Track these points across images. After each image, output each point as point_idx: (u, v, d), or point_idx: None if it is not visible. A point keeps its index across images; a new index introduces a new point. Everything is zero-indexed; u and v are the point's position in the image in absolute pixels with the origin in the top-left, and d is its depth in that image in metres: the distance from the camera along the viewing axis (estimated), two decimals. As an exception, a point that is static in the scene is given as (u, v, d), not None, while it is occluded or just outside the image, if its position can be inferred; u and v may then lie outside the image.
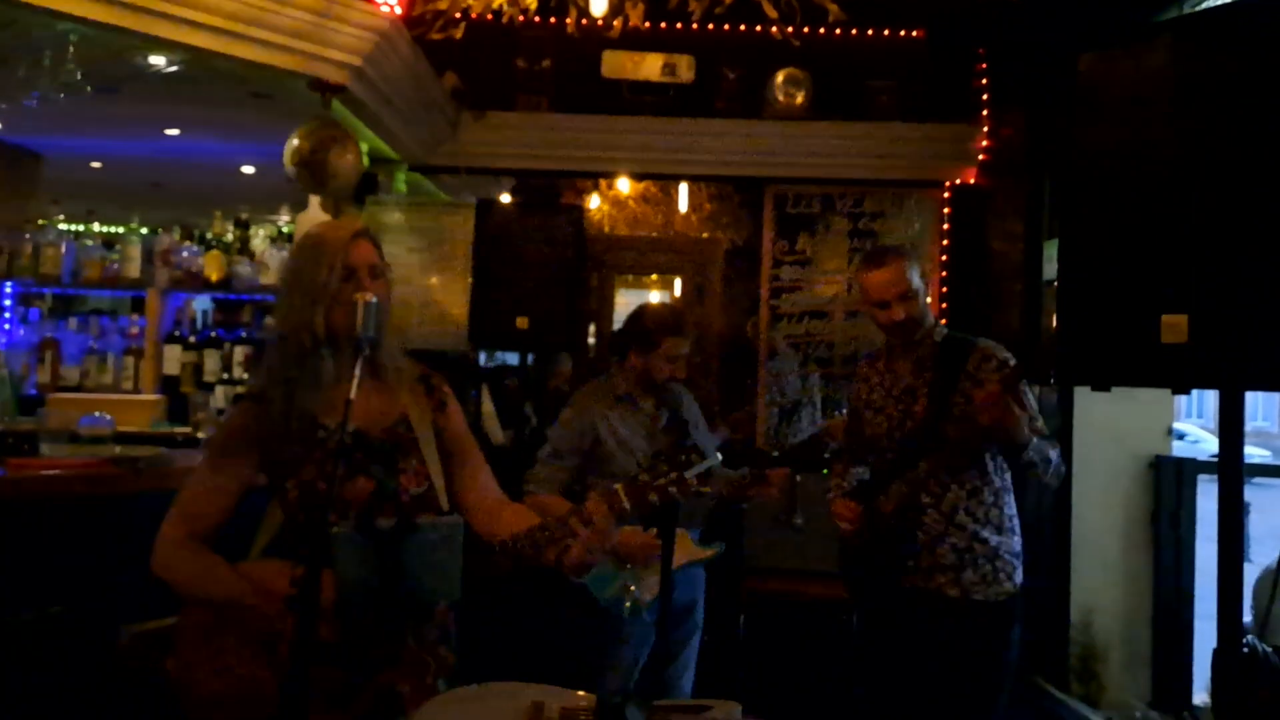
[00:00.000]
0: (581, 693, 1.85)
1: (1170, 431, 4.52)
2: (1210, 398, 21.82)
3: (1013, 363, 2.81)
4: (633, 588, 3.05)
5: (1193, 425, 21.70)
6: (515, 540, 2.08)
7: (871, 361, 3.13)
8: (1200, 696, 4.03)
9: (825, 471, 3.31)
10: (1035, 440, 2.69)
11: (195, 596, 1.96)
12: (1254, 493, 1.95)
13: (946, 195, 5.01)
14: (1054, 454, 2.78)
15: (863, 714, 3.00)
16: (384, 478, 2.01)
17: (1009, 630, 2.80)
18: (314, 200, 4.41)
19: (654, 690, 2.80)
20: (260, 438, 1.98)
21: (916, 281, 2.93)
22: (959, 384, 2.84)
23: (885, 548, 2.86)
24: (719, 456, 2.17)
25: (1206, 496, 3.66)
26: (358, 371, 1.81)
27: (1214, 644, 1.99)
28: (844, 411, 4.01)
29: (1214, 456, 2.84)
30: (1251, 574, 3.20)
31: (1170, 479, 4.28)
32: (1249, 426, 2.13)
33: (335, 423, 1.94)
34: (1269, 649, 2.08)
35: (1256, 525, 2.03)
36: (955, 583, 2.78)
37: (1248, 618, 2.43)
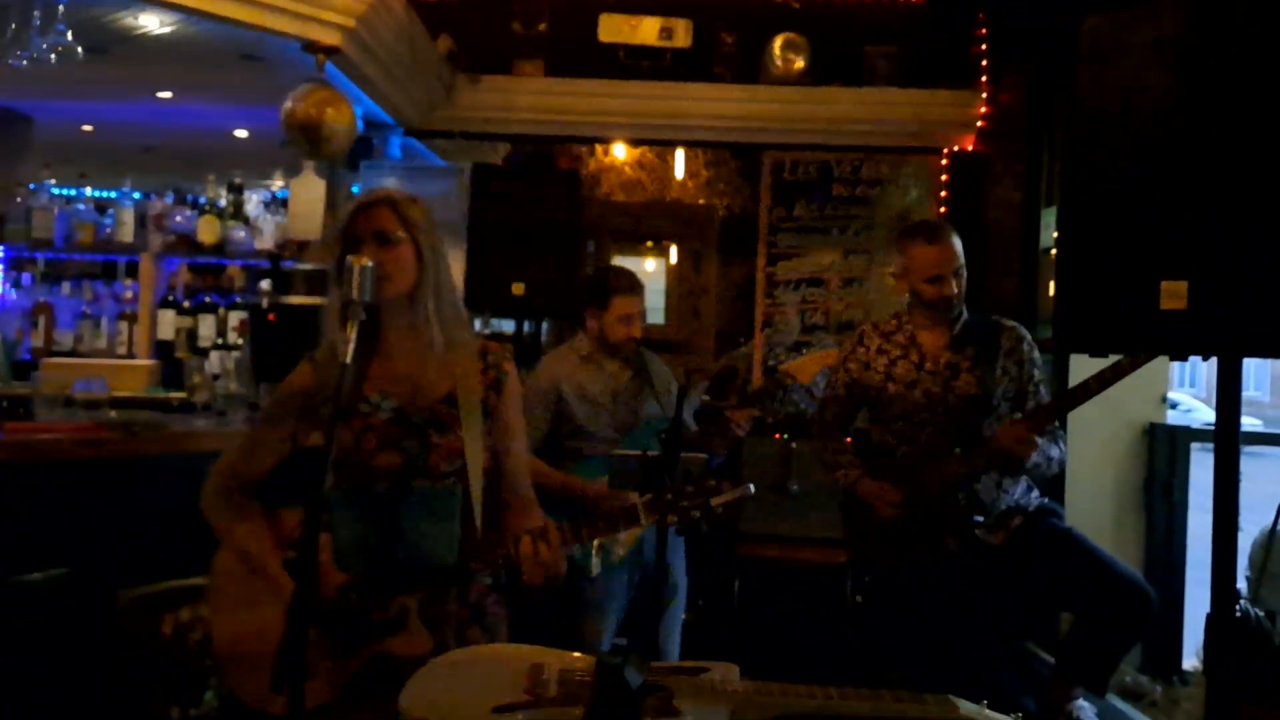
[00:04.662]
0: (578, 654, 1.86)
1: (1165, 400, 4.53)
2: (1203, 367, 21.84)
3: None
4: (598, 543, 3.04)
5: (1185, 395, 21.75)
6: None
7: (886, 334, 3.10)
8: (1190, 662, 4.07)
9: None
10: (1035, 454, 2.82)
11: (226, 540, 2.05)
12: (1246, 461, 1.95)
13: (945, 162, 4.98)
14: (1056, 451, 2.93)
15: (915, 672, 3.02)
16: (415, 453, 2.00)
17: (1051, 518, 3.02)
18: (308, 164, 4.38)
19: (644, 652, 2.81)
20: (304, 400, 2.01)
21: (963, 257, 2.97)
22: (999, 360, 2.96)
23: (938, 521, 2.91)
24: (751, 489, 2.12)
25: (1199, 466, 3.68)
26: (354, 338, 1.78)
27: (1205, 610, 2.00)
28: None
29: (1208, 425, 2.86)
30: (1244, 541, 3.22)
31: (1164, 447, 4.30)
32: (1242, 395, 2.13)
33: (379, 394, 2.01)
34: (1261, 614, 2.10)
35: (1248, 493, 2.03)
36: (1006, 530, 2.95)
37: (1241, 584, 2.46)
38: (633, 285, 3.24)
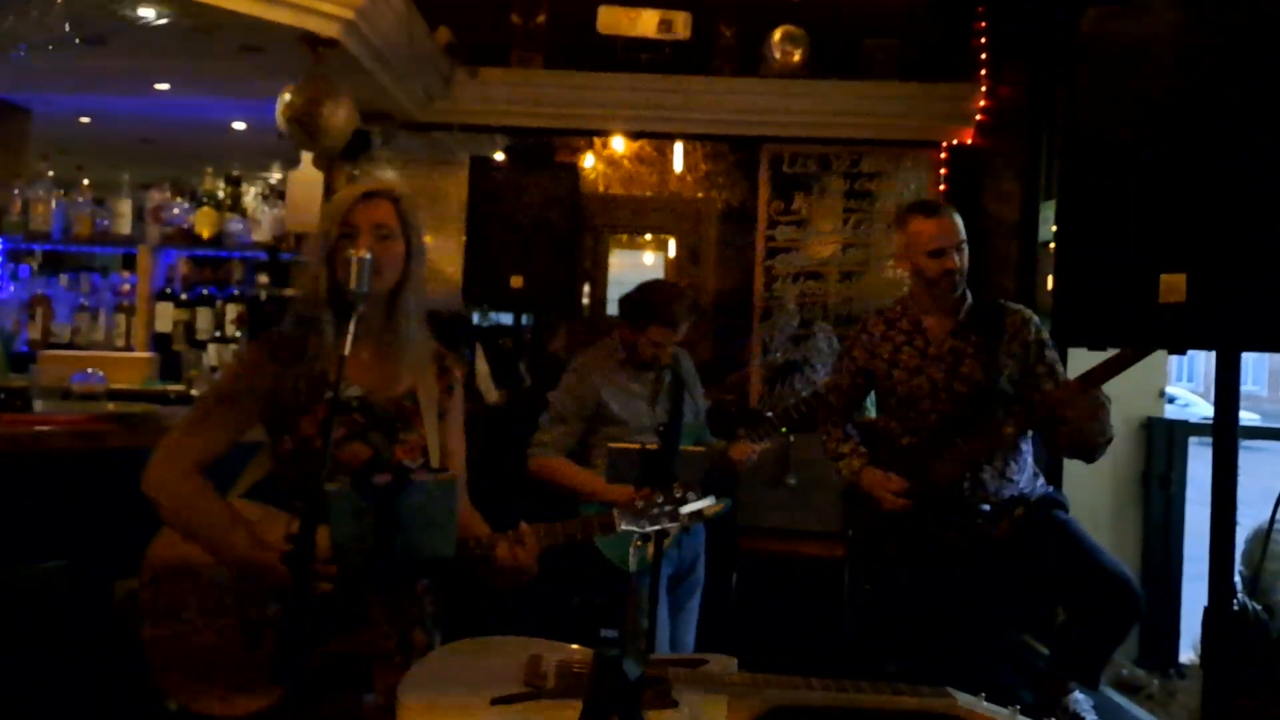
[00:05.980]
0: (576, 646, 1.86)
1: (1163, 394, 4.53)
2: (1201, 361, 21.88)
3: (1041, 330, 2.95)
4: (639, 543, 3.05)
5: (1183, 389, 21.77)
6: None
7: (890, 320, 3.06)
8: (1187, 655, 4.07)
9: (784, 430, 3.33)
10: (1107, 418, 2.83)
11: (180, 523, 1.95)
12: (1243, 456, 1.94)
13: (944, 156, 4.98)
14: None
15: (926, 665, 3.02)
16: (381, 446, 2.00)
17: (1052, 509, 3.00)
18: (306, 157, 4.37)
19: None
20: (266, 384, 1.98)
21: (964, 234, 2.94)
22: (1003, 344, 2.91)
23: (942, 512, 2.90)
24: (714, 499, 2.20)
25: (1197, 460, 3.68)
26: (352, 329, 1.78)
27: (1202, 604, 2.00)
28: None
29: (1205, 419, 2.87)
30: (1242, 536, 3.22)
31: (1162, 441, 4.29)
32: (1240, 389, 2.13)
33: (342, 383, 1.95)
34: (1258, 608, 2.10)
35: (1245, 488, 2.03)
36: (1010, 521, 2.93)
37: (1237, 578, 2.46)
38: (671, 318, 3.16)
